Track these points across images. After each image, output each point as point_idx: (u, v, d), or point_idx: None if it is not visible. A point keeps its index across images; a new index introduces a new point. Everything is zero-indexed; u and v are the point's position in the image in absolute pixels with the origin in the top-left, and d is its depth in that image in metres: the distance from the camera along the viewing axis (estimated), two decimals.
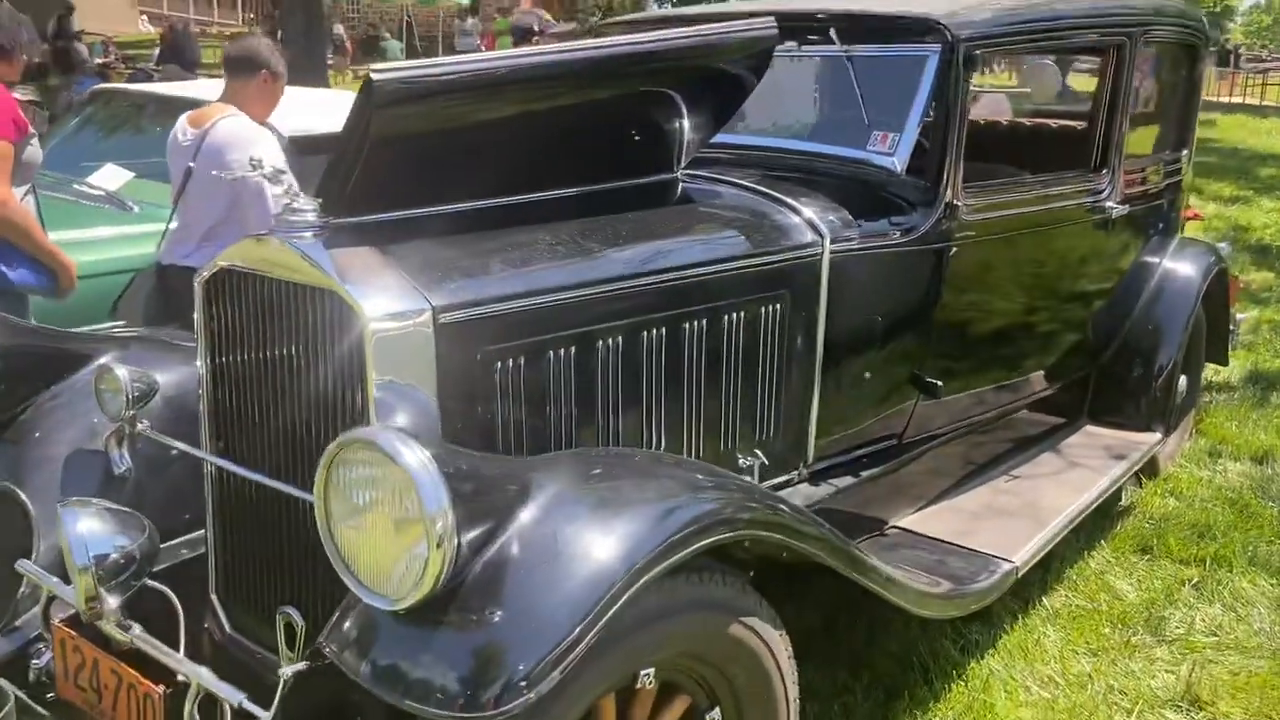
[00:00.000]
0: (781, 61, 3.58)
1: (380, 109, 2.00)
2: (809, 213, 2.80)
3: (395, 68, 2.00)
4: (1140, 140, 4.05)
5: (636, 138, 2.82)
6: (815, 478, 2.96)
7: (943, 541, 3.09)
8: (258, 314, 2.11)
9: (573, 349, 2.26)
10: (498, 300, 2.11)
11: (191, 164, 3.49)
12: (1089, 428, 4.14)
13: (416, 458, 1.60)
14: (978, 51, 2.90)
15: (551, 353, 2.22)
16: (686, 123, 2.89)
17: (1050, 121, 4.46)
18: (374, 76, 1.95)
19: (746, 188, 2.93)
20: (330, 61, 20.71)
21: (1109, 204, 3.63)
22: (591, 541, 1.66)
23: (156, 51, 13.37)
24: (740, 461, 2.71)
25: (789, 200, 2.83)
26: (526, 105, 2.40)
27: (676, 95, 2.77)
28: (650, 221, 2.59)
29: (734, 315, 2.60)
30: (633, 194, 2.79)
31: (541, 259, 2.26)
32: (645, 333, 2.41)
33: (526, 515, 1.69)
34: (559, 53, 2.37)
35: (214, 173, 3.20)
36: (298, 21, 15.52)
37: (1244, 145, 14.48)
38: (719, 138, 3.32)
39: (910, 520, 3.23)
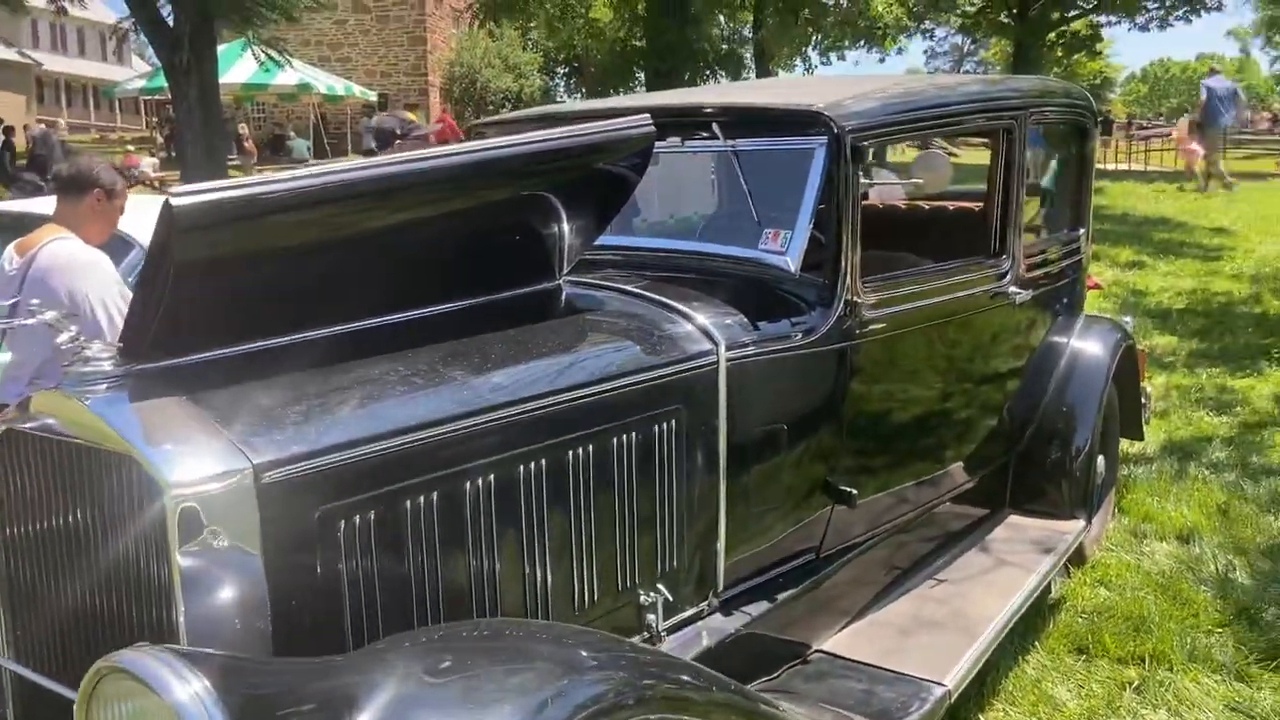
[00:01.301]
0: (670, 159, 3.44)
1: (183, 234, 1.72)
2: (702, 319, 2.58)
3: (197, 189, 1.73)
4: (1036, 221, 3.98)
5: (512, 244, 2.59)
6: (727, 606, 2.69)
7: (870, 666, 2.84)
8: (49, 480, 1.79)
9: (434, 495, 1.97)
10: (337, 449, 1.82)
11: (17, 296, 3.14)
12: (1012, 518, 3.96)
13: (189, 690, 1.29)
14: (865, 142, 2.75)
15: (409, 502, 1.93)
16: (566, 226, 2.67)
17: (948, 204, 4.37)
18: (172, 201, 1.68)
19: (634, 294, 2.71)
20: (235, 161, 20.38)
21: (1011, 289, 3.50)
22: None
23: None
24: (642, 599, 2.44)
25: (679, 306, 2.62)
26: (372, 221, 2.15)
27: (553, 198, 2.56)
28: (525, 339, 2.34)
29: (624, 437, 2.35)
30: (510, 307, 2.55)
31: (392, 394, 1.98)
32: (522, 467, 2.13)
33: None
34: (406, 163, 2.13)
35: (34, 303, 2.86)
36: (195, 122, 15.25)
37: (1134, 210, 14.93)
38: (608, 239, 3.13)
39: (834, 642, 2.97)
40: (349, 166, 2.01)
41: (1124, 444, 5.13)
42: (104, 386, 1.73)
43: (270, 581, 1.71)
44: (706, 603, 2.64)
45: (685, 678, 1.77)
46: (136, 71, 33.57)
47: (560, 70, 34.51)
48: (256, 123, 28.12)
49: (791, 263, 2.68)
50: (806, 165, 2.75)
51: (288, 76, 22.48)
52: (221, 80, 16.73)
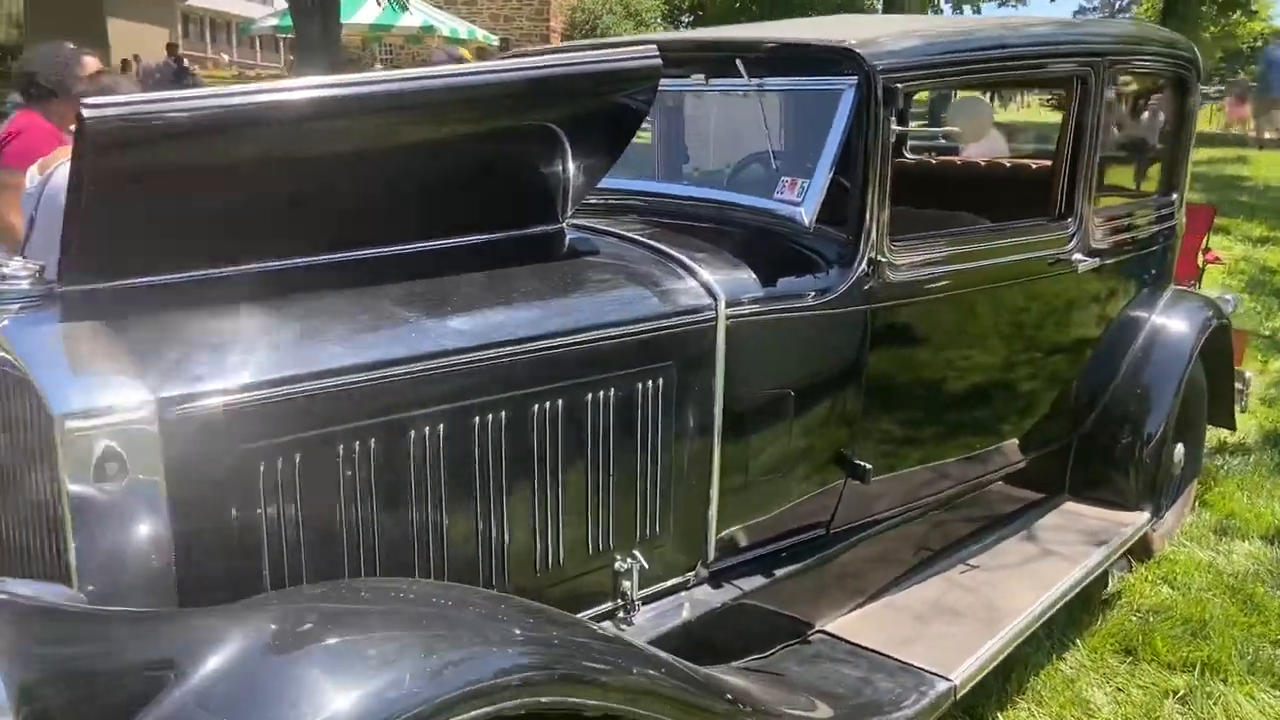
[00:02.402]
0: (708, 101, 3.24)
1: (101, 153, 1.64)
2: (704, 272, 2.40)
3: (114, 101, 1.63)
4: (1121, 184, 3.63)
5: (509, 181, 2.46)
6: (717, 578, 2.54)
7: (873, 652, 2.65)
8: None
9: (371, 443, 1.86)
10: (258, 387, 1.72)
11: (33, 213, 3.16)
12: (1069, 505, 3.67)
13: None
14: (899, 85, 2.50)
15: (342, 448, 1.83)
16: (570, 164, 2.51)
17: (1005, 161, 4.03)
18: (84, 112, 1.59)
19: (637, 242, 2.54)
20: None
21: (1075, 256, 3.19)
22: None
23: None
24: (617, 564, 2.30)
25: (681, 257, 2.44)
26: (339, 147, 2.04)
27: (558, 130, 2.40)
28: (501, 283, 2.20)
29: (601, 394, 2.20)
30: (499, 249, 2.41)
31: (331, 332, 1.87)
32: (477, 419, 2.01)
33: (170, 706, 1.26)
34: (373, 83, 2.00)
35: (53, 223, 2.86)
36: (317, 60, 15.47)
37: (1276, 183, 13.88)
38: (628, 184, 2.98)
39: (840, 624, 2.79)
40: (304, 83, 1.89)
41: (1218, 434, 4.75)
42: (17, 307, 1.67)
43: (176, 523, 1.64)
44: (693, 573, 2.49)
45: (596, 656, 1.62)
46: (274, 9, 34.44)
47: (685, 18, 33.97)
48: (386, 64, 28.54)
49: (805, 215, 2.47)
50: (833, 108, 2.52)
51: (412, 19, 22.70)
52: (349, 21, 16.90)
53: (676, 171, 3.67)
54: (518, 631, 1.56)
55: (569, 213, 2.59)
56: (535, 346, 2.07)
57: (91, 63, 4.13)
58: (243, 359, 1.74)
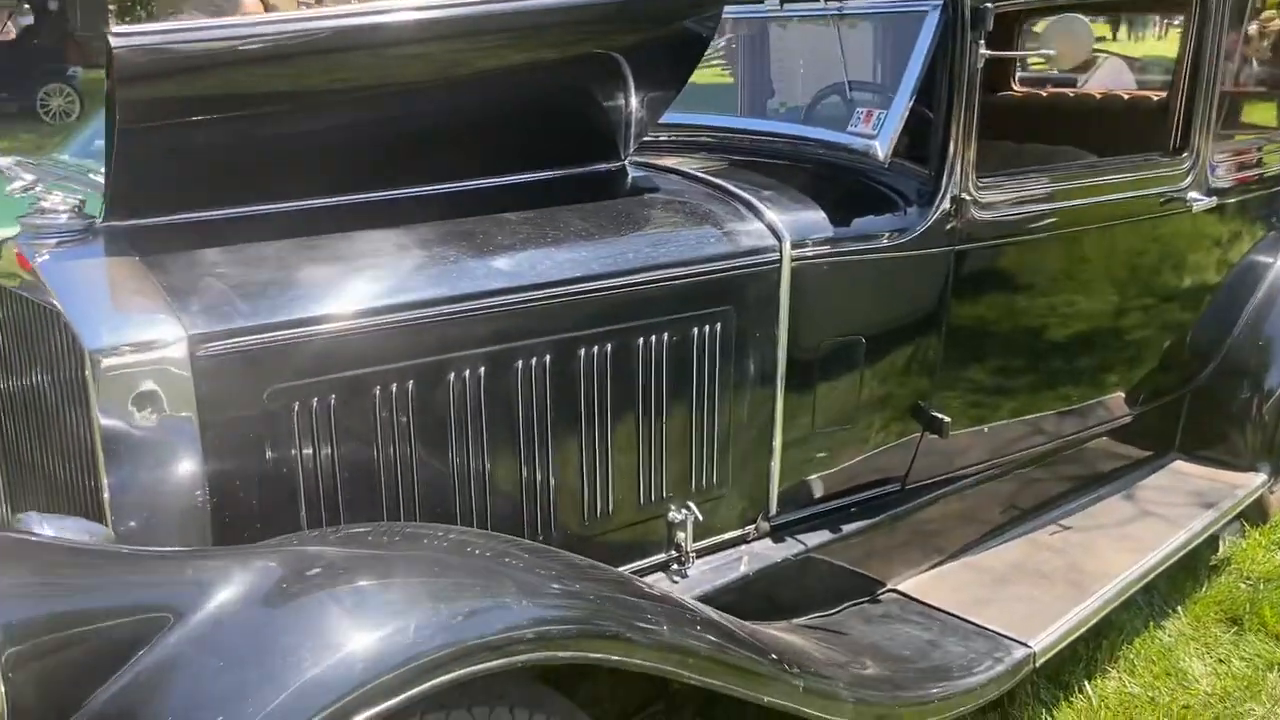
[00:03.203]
0: (778, 31, 3.08)
1: (129, 84, 1.61)
2: (769, 211, 2.27)
3: (143, 30, 1.59)
4: (1251, 115, 3.32)
5: (568, 116, 2.36)
6: (779, 532, 2.43)
7: (946, 613, 2.52)
8: (12, 335, 1.76)
9: (410, 384, 1.82)
10: (291, 325, 1.69)
11: None
12: (1179, 464, 3.44)
13: None
14: (988, 5, 2.30)
15: (379, 390, 1.79)
16: (633, 97, 2.40)
17: (1123, 93, 3.73)
18: (112, 42, 1.55)
19: (701, 180, 2.42)
20: None
21: (1190, 195, 2.93)
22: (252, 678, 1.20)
23: None
24: (671, 515, 2.22)
25: (745, 195, 2.31)
26: (388, 79, 1.97)
27: (621, 60, 2.29)
28: (548, 222, 2.11)
29: (653, 338, 2.11)
30: (554, 187, 2.33)
31: (368, 271, 1.82)
32: (520, 362, 1.94)
33: (164, 650, 1.23)
34: (433, 9, 1.92)
35: None
36: None
37: None
38: (691, 119, 2.85)
39: (914, 583, 2.66)
40: (343, 10, 1.82)
41: None
42: (54, 241, 1.67)
43: (209, 460, 1.62)
44: (754, 526, 2.39)
45: (628, 612, 1.54)
46: None
47: None
48: None
49: (880, 149, 2.30)
50: (915, 32, 2.33)
51: None
52: None
53: (761, 108, 3.51)
54: (544, 584, 1.50)
55: (631, 149, 2.48)
56: (581, 288, 1.99)
57: (250, 3, 4.09)
58: (276, 298, 1.71)
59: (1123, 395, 3.19)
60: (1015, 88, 4.29)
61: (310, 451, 1.73)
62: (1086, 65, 6.93)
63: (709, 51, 3.50)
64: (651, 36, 2.30)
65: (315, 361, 1.72)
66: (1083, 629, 2.53)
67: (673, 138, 2.93)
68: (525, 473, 1.99)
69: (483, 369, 1.89)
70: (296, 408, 1.71)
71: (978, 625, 2.46)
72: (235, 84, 1.77)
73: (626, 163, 2.49)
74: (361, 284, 1.80)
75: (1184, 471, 3.38)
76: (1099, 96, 3.80)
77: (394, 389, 1.80)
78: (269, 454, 1.70)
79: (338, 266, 1.81)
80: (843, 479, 2.52)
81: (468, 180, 2.22)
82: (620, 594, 1.62)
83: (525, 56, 2.17)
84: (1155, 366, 3.22)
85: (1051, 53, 2.25)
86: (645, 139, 2.84)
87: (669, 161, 2.61)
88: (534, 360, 1.95)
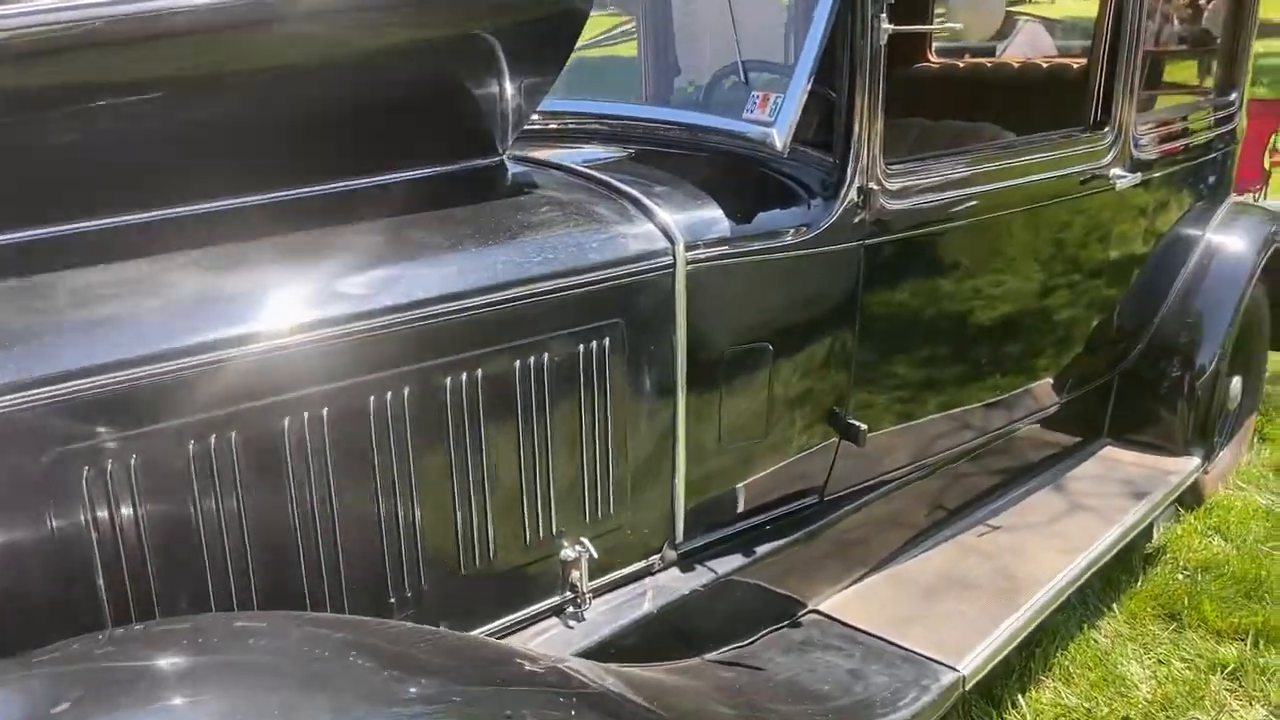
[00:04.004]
0: (679, 6, 2.85)
1: None
2: (661, 210, 2.04)
3: None
4: (1178, 82, 3.18)
5: (437, 108, 2.10)
6: (689, 560, 2.22)
7: (869, 635, 2.34)
8: None
9: (233, 435, 1.56)
10: (79, 375, 1.42)
11: None
12: (1109, 449, 3.31)
13: None
14: None
15: (193, 444, 1.52)
16: (508, 83, 2.15)
17: (1042, 61, 3.57)
18: None
19: (585, 176, 2.18)
20: None
21: (1113, 171, 2.76)
22: None
23: None
24: (564, 554, 2.00)
25: (634, 193, 2.08)
26: (219, 68, 1.70)
27: (494, 42, 2.03)
28: (406, 232, 1.86)
29: (532, 359, 1.87)
30: (427, 190, 2.06)
31: (183, 301, 1.56)
32: (374, 398, 1.69)
33: None
34: None
35: None
36: None
37: None
38: (582, 106, 2.61)
39: (836, 602, 2.47)
40: None
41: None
42: None
43: None
44: (659, 556, 2.18)
45: (474, 706, 1.32)
46: None
47: None
48: None
49: (778, 137, 2.08)
50: (812, 5, 2.11)
51: None
52: None
53: (666, 88, 3.28)
54: (398, 688, 1.26)
55: (509, 141, 2.23)
56: (442, 309, 1.74)
57: None
58: (56, 343, 1.43)
59: (1050, 383, 3.04)
60: (931, 59, 4.11)
61: (108, 523, 1.46)
62: (1005, 30, 6.79)
63: (623, 25, 3.28)
64: (526, 15, 2.04)
65: (112, 416, 1.45)
66: (1013, 644, 2.37)
67: (563, 126, 2.68)
68: (386, 521, 1.74)
69: (325, 410, 1.64)
70: (87, 472, 1.44)
71: (903, 648, 2.28)
72: (55, 75, 1.50)
73: (505, 158, 2.23)
74: (166, 319, 1.53)
75: (1115, 458, 3.25)
76: (1017, 65, 3.63)
77: (211, 442, 1.54)
78: (54, 531, 1.43)
79: (131, 299, 1.53)
80: (756, 496, 2.32)
81: (314, 185, 1.95)
82: (490, 683, 1.39)
83: (382, 40, 1.90)
84: (1082, 351, 3.08)
85: (958, 25, 2.05)
86: (533, 128, 2.60)
87: (555, 154, 2.37)
88: (389, 395, 1.70)
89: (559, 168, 2.23)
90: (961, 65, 4.06)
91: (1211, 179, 3.43)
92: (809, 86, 2.08)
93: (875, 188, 2.20)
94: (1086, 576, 2.65)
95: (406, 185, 2.05)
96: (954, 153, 2.42)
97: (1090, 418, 3.31)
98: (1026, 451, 3.10)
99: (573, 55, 2.12)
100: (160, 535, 1.51)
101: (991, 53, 5.44)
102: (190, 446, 1.52)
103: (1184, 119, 3.27)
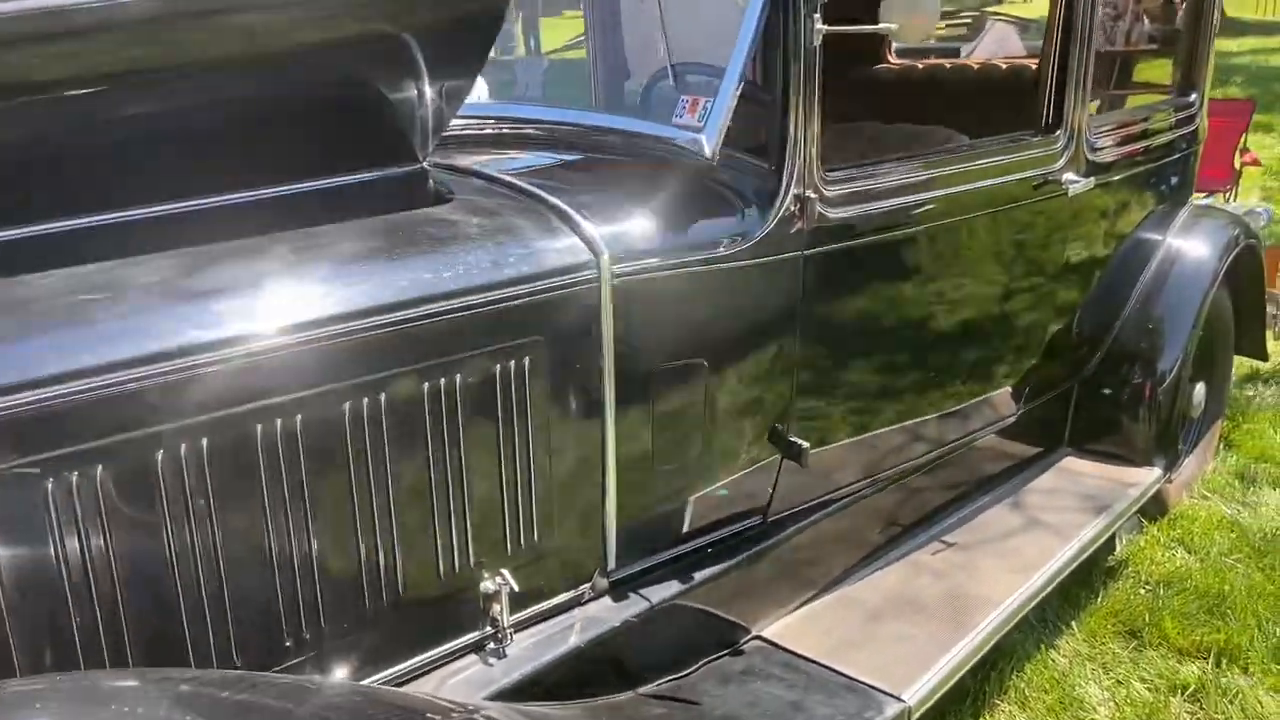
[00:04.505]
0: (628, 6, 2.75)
1: None
2: (585, 221, 1.93)
3: None
4: (1127, 84, 3.09)
5: (353, 112, 1.98)
6: (621, 589, 2.11)
7: (813, 662, 2.24)
8: None
9: (99, 470, 1.44)
10: None
11: None
12: (1069, 460, 3.23)
13: None
14: None
15: (52, 481, 1.40)
16: (428, 86, 2.04)
17: (1001, 62, 3.48)
18: None
19: (509, 185, 2.07)
20: None
21: (1065, 176, 2.68)
22: None
23: None
24: (482, 586, 1.89)
25: (558, 203, 1.97)
26: (112, 68, 1.59)
27: (412, 42, 1.92)
28: (308, 246, 1.74)
29: (442, 380, 1.76)
30: (339, 200, 1.93)
31: (58, 325, 1.44)
32: (262, 426, 1.57)
33: None
34: None
35: None
36: None
37: None
38: (511, 110, 2.50)
39: (781, 627, 2.37)
40: None
41: (1249, 363, 4.25)
42: None
43: None
44: (589, 584, 2.07)
45: None
46: None
47: None
48: None
49: (707, 144, 1.97)
50: (743, 7, 2.01)
51: None
52: None
53: (616, 93, 3.17)
54: None
55: (430, 148, 2.11)
56: (332, 331, 1.62)
57: None
58: None
59: (1006, 393, 2.95)
60: (891, 60, 4.02)
61: None
62: (974, 31, 6.72)
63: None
64: (444, 14, 1.93)
65: None
66: (963, 669, 2.27)
67: (498, 131, 2.57)
68: (279, 557, 1.62)
69: (204, 440, 1.52)
70: None
71: (847, 677, 2.18)
72: None
73: (426, 165, 2.12)
74: (34, 345, 1.41)
75: (1075, 469, 3.17)
76: (976, 67, 3.54)
77: (74, 478, 1.41)
78: None
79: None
80: (694, 518, 2.21)
81: (217, 195, 1.82)
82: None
83: (292, 41, 1.79)
84: (1038, 360, 2.99)
85: (893, 27, 1.95)
86: (466, 133, 2.49)
87: (481, 162, 2.25)
88: (278, 422, 1.58)
89: (482, 176, 2.12)
90: (921, 67, 3.98)
91: (1173, 181, 3.36)
92: (739, 90, 1.98)
93: (813, 195, 2.10)
94: (1041, 596, 2.56)
95: (315, 195, 1.93)
96: (896, 159, 2.32)
97: (1050, 428, 3.23)
98: (984, 464, 3.01)
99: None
100: (17, 581, 1.39)
101: (957, 53, 5.37)
102: (48, 483, 1.40)
103: (1143, 120, 3.19)
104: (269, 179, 1.89)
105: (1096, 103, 2.78)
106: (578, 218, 1.94)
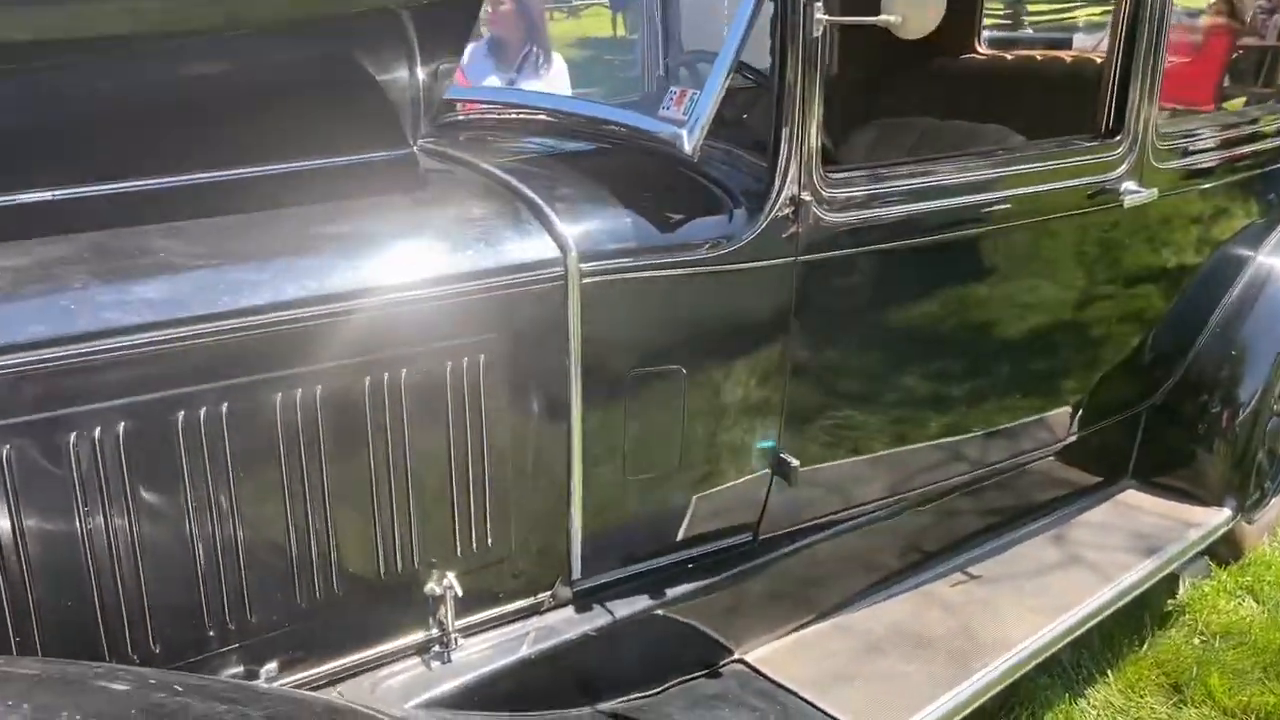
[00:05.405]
0: None
1: None
2: (557, 216, 1.85)
3: None
4: (1210, 88, 2.82)
5: (340, 94, 1.94)
6: (586, 599, 2.03)
7: (793, 694, 2.11)
8: None
9: (6, 448, 1.43)
10: None
11: None
12: (1130, 494, 2.98)
13: None
14: None
15: None
16: (419, 66, 1.99)
17: (1065, 55, 3.21)
18: None
19: (490, 175, 2.00)
20: None
21: (1125, 185, 2.44)
22: None
23: None
24: (428, 588, 1.83)
25: (532, 195, 1.89)
26: (84, 32, 1.58)
27: (404, 18, 1.87)
28: (246, 233, 1.70)
29: (386, 375, 1.70)
30: (296, 182, 1.87)
31: None
32: (184, 413, 1.54)
33: None
34: None
35: None
36: None
37: None
38: (524, 97, 2.43)
39: (769, 651, 2.25)
40: None
41: None
42: None
43: None
44: (550, 593, 1.99)
45: None
46: None
47: None
48: None
49: (688, 139, 1.85)
50: None
51: None
52: None
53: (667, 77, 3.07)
54: None
55: (421, 129, 2.06)
56: (260, 320, 1.57)
57: None
58: None
59: (1049, 419, 2.73)
60: (980, 50, 3.77)
61: None
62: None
63: None
64: None
65: None
66: (958, 716, 2.10)
67: (512, 116, 2.51)
68: (203, 544, 1.59)
69: (123, 424, 1.50)
70: None
71: (824, 713, 2.04)
72: None
73: (416, 149, 2.06)
74: None
75: (1134, 504, 2.92)
76: (1039, 59, 3.29)
77: None
78: None
79: None
80: (673, 532, 2.11)
81: (189, 174, 1.80)
82: None
83: (277, 15, 1.76)
84: (1089, 385, 2.75)
85: (895, 19, 1.79)
86: (481, 118, 2.45)
87: (473, 149, 2.19)
88: (202, 410, 1.56)
89: (467, 164, 2.06)
90: (1010, 59, 3.73)
91: (1267, 196, 3.04)
92: (726, 83, 1.85)
93: (809, 198, 1.95)
94: (1067, 641, 2.36)
95: (296, 176, 1.88)
96: (914, 160, 2.15)
97: (1111, 457, 2.98)
98: (1027, 492, 2.79)
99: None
100: None
101: (1068, 45, 5.02)
102: None
103: (1235, 127, 2.89)
104: (250, 158, 1.87)
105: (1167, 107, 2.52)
106: (550, 213, 1.86)
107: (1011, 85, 3.39)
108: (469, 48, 4.61)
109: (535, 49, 4.42)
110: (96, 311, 1.48)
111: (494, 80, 4.22)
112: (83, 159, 1.67)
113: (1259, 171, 3.03)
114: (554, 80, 4.39)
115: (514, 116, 2.46)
